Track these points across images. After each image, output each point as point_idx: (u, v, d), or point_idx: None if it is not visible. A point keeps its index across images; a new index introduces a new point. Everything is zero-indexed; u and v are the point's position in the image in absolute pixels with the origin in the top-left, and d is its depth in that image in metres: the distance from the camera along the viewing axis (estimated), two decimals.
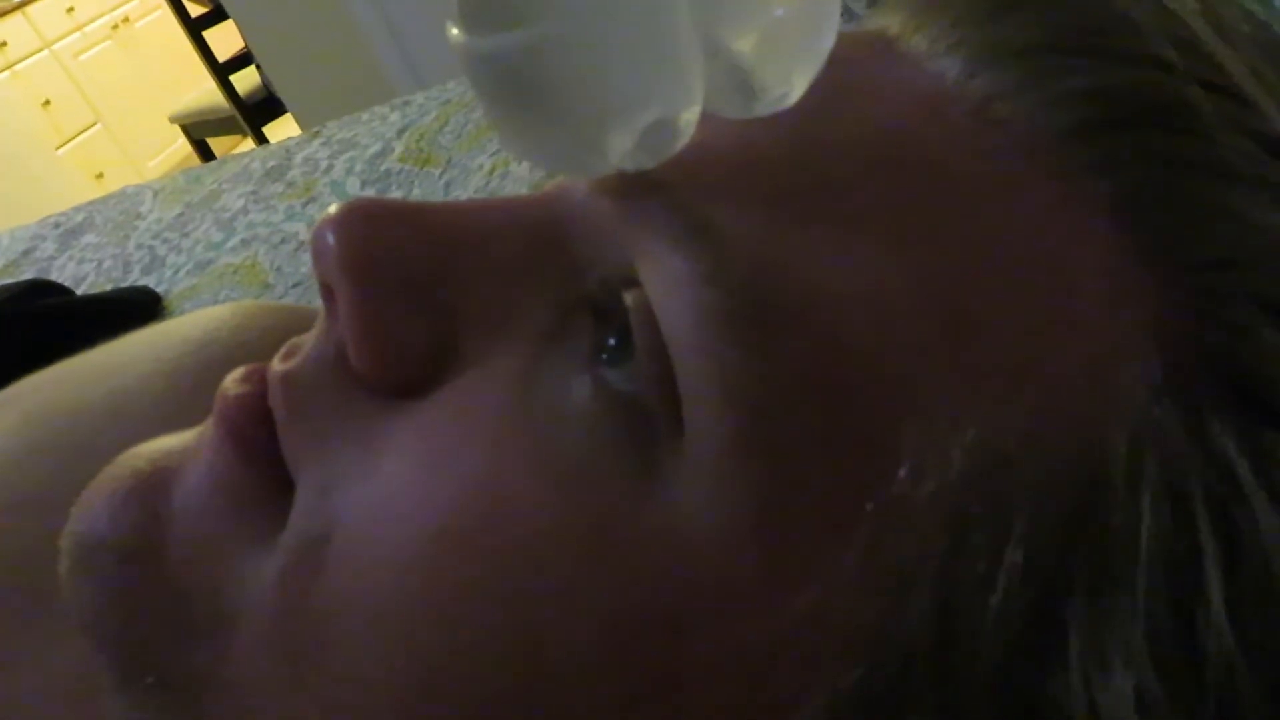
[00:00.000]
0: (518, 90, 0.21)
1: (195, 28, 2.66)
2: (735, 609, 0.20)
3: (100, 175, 3.67)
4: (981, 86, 0.22)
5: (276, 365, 0.24)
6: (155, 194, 1.15)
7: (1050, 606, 0.19)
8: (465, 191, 0.89)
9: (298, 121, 2.19)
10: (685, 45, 0.20)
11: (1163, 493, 0.19)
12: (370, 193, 0.97)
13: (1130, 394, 0.20)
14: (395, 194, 0.96)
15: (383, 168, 1.00)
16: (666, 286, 0.21)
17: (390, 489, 0.22)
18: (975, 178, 0.22)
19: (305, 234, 0.94)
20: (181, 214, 1.07)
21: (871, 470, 0.20)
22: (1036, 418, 0.20)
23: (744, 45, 0.21)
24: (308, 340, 0.25)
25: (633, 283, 0.21)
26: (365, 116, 1.14)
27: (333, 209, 0.24)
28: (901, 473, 0.20)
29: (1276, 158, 0.21)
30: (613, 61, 0.20)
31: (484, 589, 0.21)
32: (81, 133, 3.70)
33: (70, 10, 3.76)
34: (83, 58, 3.76)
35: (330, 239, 0.23)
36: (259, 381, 0.24)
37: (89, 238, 1.12)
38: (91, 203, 1.22)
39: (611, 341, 0.22)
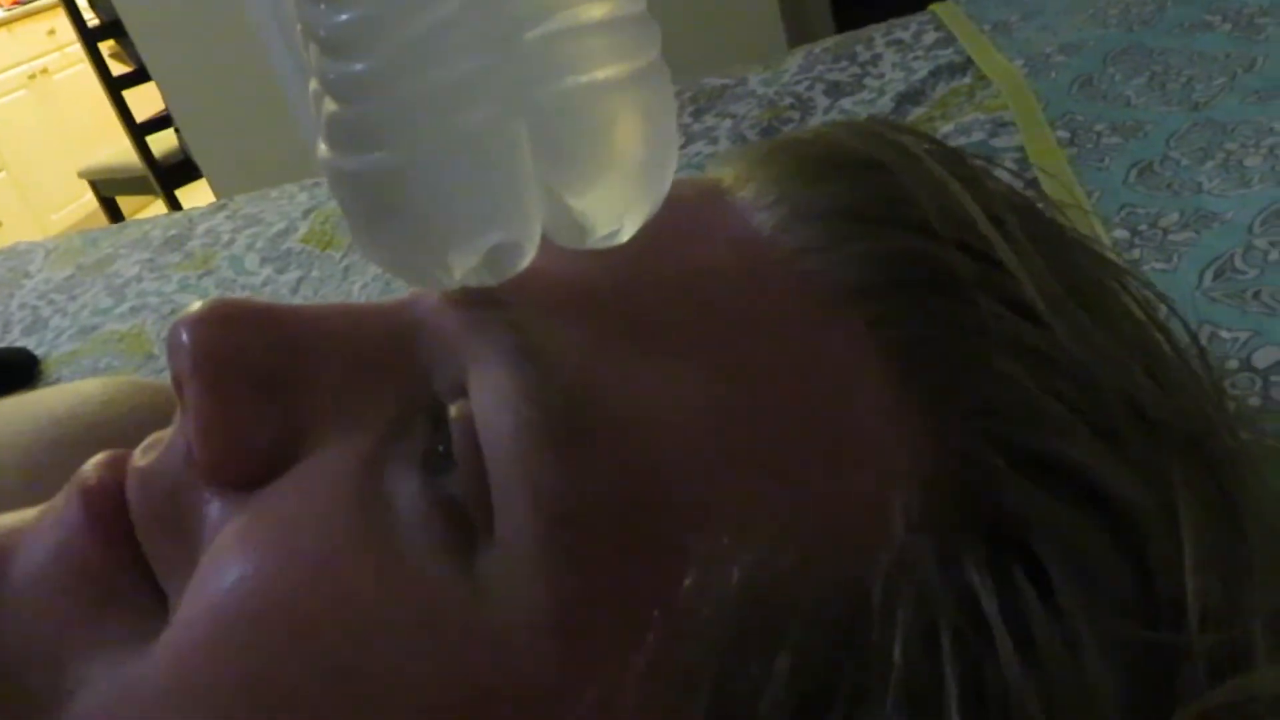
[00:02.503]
0: (372, 206, 0.23)
1: (115, 86, 2.64)
2: (535, 700, 0.22)
3: None
4: (792, 241, 0.25)
5: (137, 460, 0.25)
6: (47, 253, 1.13)
7: (814, 715, 0.21)
8: (362, 276, 0.90)
9: (213, 188, 2.18)
10: (525, 184, 0.22)
11: (914, 623, 0.21)
12: (268, 270, 0.97)
13: (893, 527, 0.22)
14: (294, 273, 0.96)
15: (284, 246, 1.00)
16: (491, 399, 0.22)
17: (230, 576, 0.23)
18: (777, 324, 0.24)
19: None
20: (72, 276, 1.06)
21: (660, 580, 0.22)
22: (809, 542, 0.22)
23: (579, 202, 0.23)
24: (165, 436, 0.26)
25: (463, 393, 0.23)
26: (274, 194, 1.15)
27: (193, 307, 0.25)
28: (687, 583, 0.21)
29: (1026, 320, 0.24)
30: (457, 191, 0.22)
31: (310, 668, 0.22)
32: None
33: None
34: None
35: (185, 337, 0.24)
36: (120, 470, 0.25)
37: None
38: None
39: (440, 448, 0.23)
